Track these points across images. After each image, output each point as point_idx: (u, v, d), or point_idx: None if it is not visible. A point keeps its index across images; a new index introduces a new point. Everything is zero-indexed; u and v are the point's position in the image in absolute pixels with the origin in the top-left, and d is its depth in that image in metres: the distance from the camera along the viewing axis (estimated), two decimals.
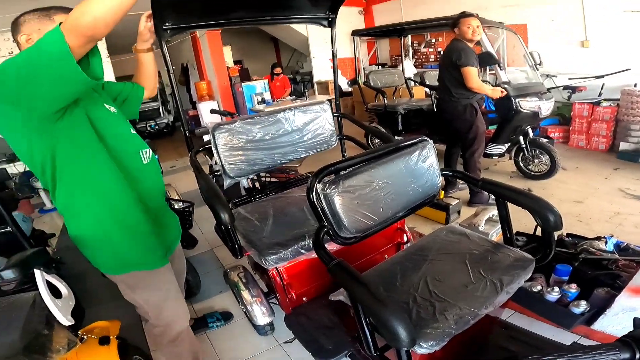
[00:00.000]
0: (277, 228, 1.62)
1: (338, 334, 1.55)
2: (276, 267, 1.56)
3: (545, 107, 3.32)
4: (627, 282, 1.69)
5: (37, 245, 2.66)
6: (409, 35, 6.53)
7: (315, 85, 8.29)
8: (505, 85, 3.14)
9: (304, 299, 1.76)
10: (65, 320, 1.15)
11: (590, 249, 2.02)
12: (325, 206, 1.11)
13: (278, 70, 6.49)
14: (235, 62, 9.95)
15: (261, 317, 1.77)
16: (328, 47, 8.27)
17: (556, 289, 1.78)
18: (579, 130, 4.45)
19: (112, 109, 1.26)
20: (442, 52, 3.24)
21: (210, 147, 1.78)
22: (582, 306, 1.68)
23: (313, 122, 1.96)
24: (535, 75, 3.58)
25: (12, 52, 5.23)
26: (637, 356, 0.65)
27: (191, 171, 5.79)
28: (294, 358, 1.84)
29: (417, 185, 1.33)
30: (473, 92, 2.89)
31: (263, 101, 5.96)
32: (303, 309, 1.73)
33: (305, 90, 6.41)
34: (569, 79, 4.75)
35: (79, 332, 1.42)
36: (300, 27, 8.14)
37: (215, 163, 3.17)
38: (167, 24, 1.57)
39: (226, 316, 2.14)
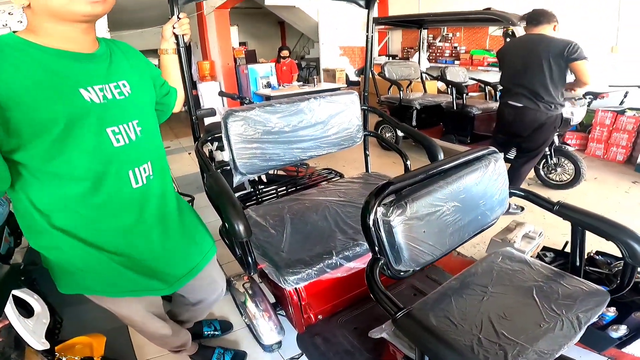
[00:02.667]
0: (297, 240, 1.38)
1: None
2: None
3: (579, 114, 3.09)
4: None
5: (14, 232, 2.39)
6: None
7: (322, 73, 8.00)
8: None
9: (319, 317, 1.56)
10: (39, 344, 1.00)
11: None
12: (384, 235, 0.87)
13: (285, 53, 6.15)
14: (240, 44, 9.58)
15: (269, 334, 1.55)
16: (338, 34, 8.02)
17: None
18: (598, 139, 4.26)
19: (110, 92, 0.90)
20: (527, 46, 2.58)
21: (220, 136, 1.52)
22: (622, 331, 1.56)
23: (339, 115, 1.70)
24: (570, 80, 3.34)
25: (6, 24, 4.79)
26: None
27: (187, 154, 5.52)
28: None
29: (487, 208, 1.09)
30: (562, 97, 2.53)
31: (269, 85, 5.66)
32: (318, 328, 1.52)
33: (314, 77, 6.09)
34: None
35: (56, 352, 1.21)
36: (311, 11, 7.81)
37: (217, 149, 2.90)
38: None
39: (225, 326, 1.91)
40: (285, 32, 12.25)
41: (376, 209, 0.86)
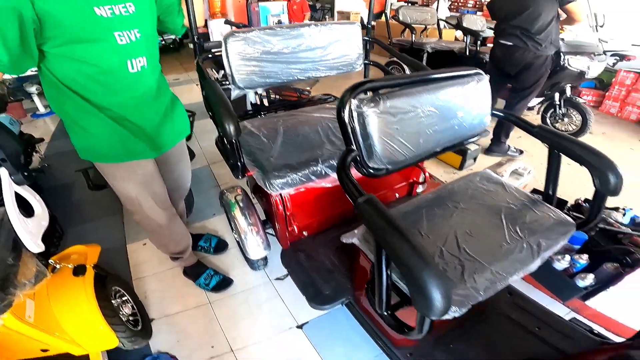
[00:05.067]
0: (287, 148, 1.45)
1: (338, 279, 1.42)
2: (280, 194, 1.41)
3: (595, 69, 3.04)
4: (637, 260, 1.58)
5: (25, 151, 2.55)
6: None
7: (336, 15, 7.67)
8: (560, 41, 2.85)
9: (304, 233, 1.62)
10: (35, 246, 0.96)
11: (608, 219, 1.90)
12: (357, 127, 0.93)
13: None
14: None
15: (255, 249, 1.59)
16: None
17: (567, 257, 1.66)
18: (614, 97, 4.20)
19: (118, 10, 1.15)
20: None
21: (220, 55, 1.57)
22: (589, 280, 1.58)
23: (339, 42, 1.71)
24: (594, 38, 3.21)
25: None
26: None
27: (195, 85, 5.55)
28: (284, 297, 1.72)
29: (465, 120, 1.13)
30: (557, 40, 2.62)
31: (280, 23, 5.49)
32: (302, 245, 1.60)
33: (327, 18, 5.85)
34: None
35: (51, 260, 1.25)
36: None
37: (223, 76, 2.94)
38: None
39: (221, 245, 2.02)
40: None
41: (350, 100, 0.91)
